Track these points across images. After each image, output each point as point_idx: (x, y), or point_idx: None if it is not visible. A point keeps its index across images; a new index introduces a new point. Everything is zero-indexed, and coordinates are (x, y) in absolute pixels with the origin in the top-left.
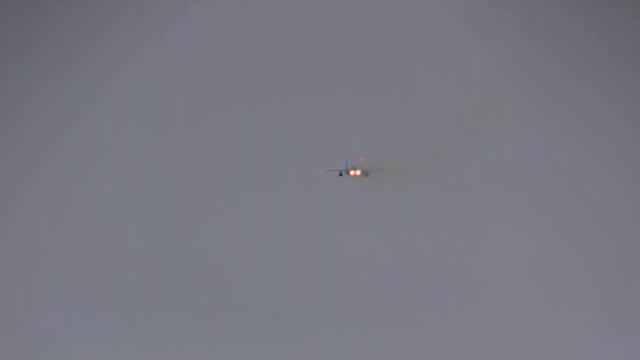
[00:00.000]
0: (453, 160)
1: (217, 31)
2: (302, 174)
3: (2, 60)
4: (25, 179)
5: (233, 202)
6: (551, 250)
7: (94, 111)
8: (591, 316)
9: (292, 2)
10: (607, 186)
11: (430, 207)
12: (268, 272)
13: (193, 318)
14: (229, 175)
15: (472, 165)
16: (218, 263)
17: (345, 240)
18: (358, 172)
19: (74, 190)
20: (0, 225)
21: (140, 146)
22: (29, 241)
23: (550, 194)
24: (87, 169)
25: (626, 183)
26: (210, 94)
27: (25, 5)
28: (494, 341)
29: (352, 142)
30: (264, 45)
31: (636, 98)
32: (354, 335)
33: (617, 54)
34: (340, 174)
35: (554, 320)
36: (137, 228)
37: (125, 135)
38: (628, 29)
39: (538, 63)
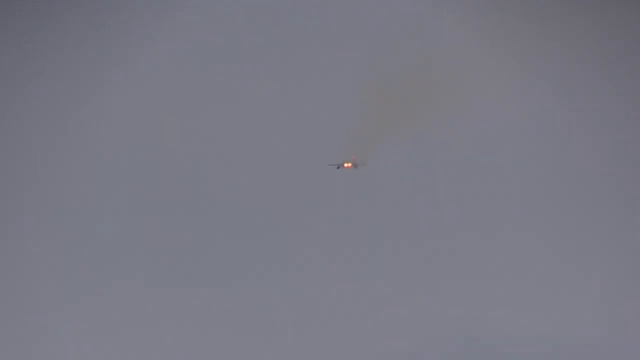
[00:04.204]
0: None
1: (215, 28)
2: (302, 168)
3: (1, 60)
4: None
5: (242, 194)
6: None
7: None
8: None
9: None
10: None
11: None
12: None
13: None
14: (241, 166)
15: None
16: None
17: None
18: (350, 165)
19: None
20: None
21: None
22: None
23: (547, 185)
24: (87, 156)
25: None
26: (207, 93)
27: (24, 4)
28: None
29: (343, 141)
30: (261, 47)
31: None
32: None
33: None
34: (338, 167)
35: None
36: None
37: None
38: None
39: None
